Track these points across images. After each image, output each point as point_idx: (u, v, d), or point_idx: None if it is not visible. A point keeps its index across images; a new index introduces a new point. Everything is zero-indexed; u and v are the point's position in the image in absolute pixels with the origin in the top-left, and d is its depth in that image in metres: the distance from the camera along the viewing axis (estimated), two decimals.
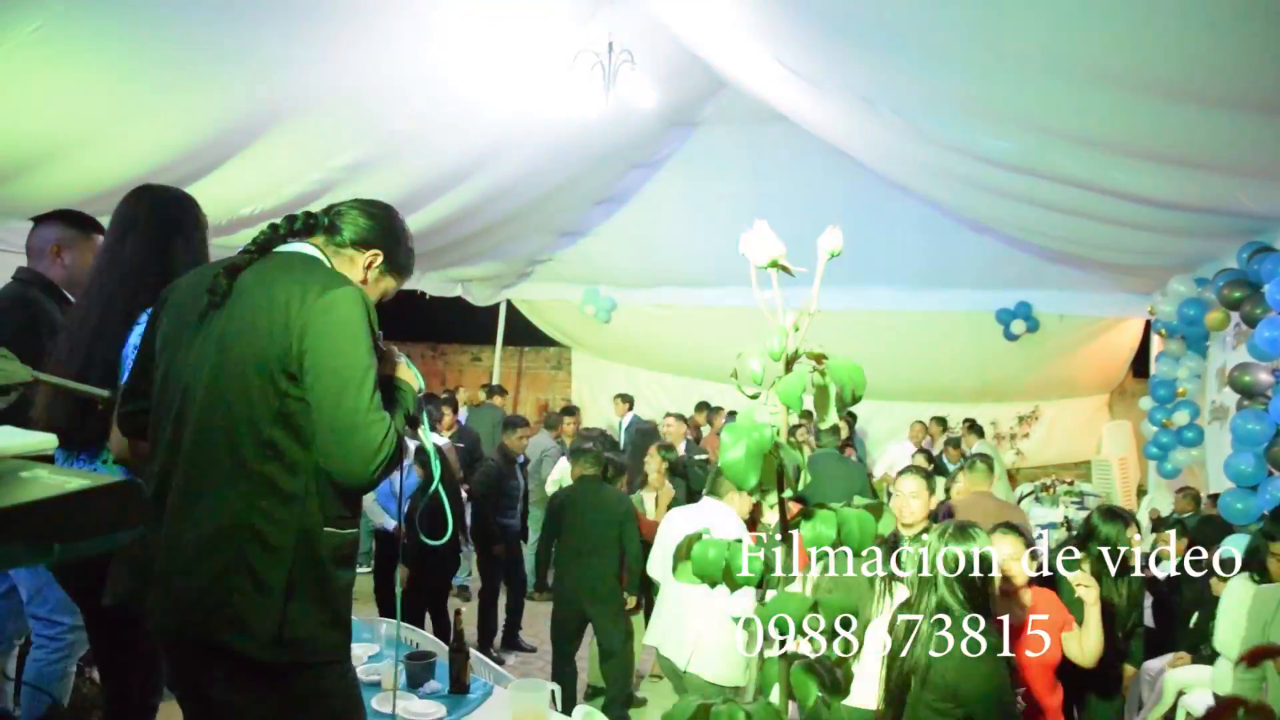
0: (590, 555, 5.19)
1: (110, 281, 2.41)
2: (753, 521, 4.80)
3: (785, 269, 1.09)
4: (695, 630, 4.19)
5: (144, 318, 2.26)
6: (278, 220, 2.01)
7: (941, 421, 9.91)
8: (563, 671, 5.24)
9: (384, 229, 2.08)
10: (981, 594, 2.78)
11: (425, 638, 3.70)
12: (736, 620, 4.14)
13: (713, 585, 1.02)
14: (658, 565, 4.69)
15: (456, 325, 12.23)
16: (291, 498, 1.78)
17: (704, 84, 8.15)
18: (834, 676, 1.00)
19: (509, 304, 11.75)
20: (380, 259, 2.07)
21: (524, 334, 12.17)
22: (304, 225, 2.01)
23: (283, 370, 1.78)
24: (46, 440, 1.11)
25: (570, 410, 8.83)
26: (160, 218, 2.47)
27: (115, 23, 4.58)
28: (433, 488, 2.06)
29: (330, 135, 6.13)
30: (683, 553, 1.05)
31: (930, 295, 9.76)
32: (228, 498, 1.76)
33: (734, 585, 1.02)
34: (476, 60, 5.89)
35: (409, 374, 2.06)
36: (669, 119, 8.50)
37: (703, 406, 9.72)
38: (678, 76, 7.48)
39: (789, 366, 1.06)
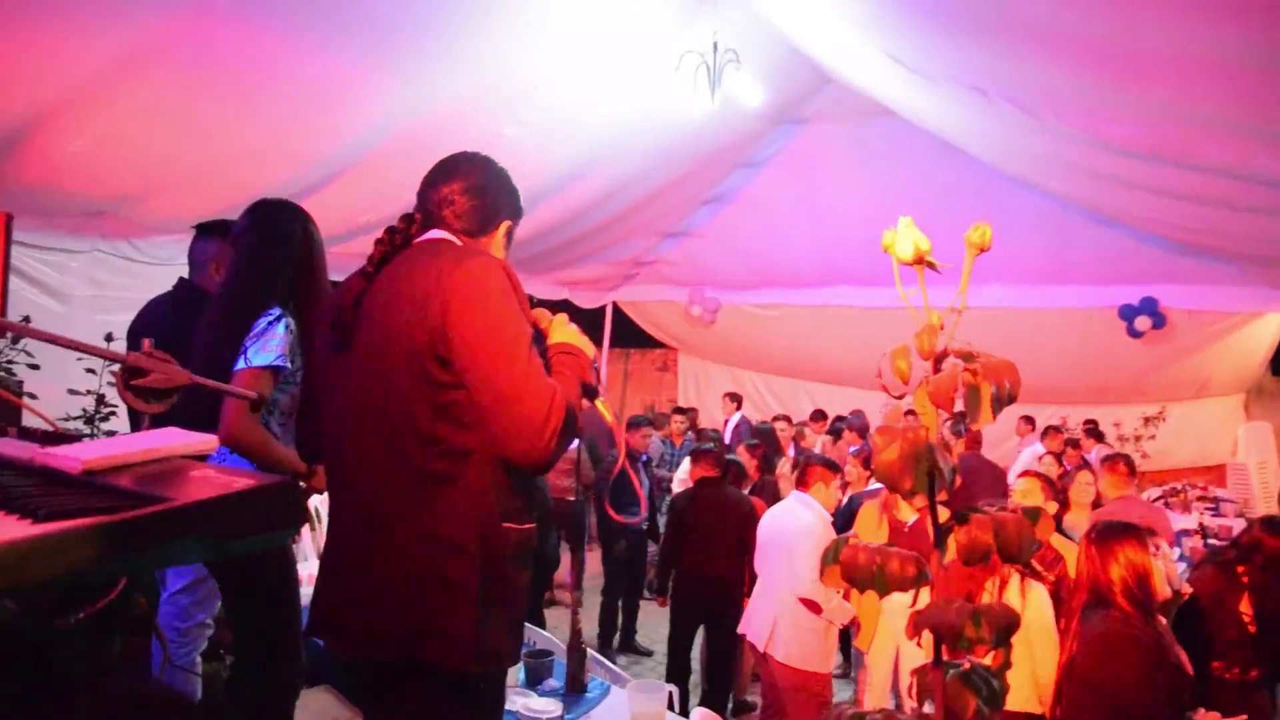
0: (712, 558, 5.16)
1: (226, 288, 2.54)
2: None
3: (931, 265, 1.05)
4: (771, 614, 4.37)
5: (263, 323, 2.37)
6: (394, 224, 1.90)
7: (1029, 420, 9.53)
8: (678, 674, 5.24)
9: (498, 198, 1.95)
10: (1141, 592, 2.73)
11: (543, 635, 3.74)
12: (822, 605, 4.22)
13: (862, 590, 0.99)
14: (757, 559, 4.77)
15: None
16: (465, 493, 1.67)
17: (809, 80, 8.04)
18: (991, 687, 0.96)
19: (614, 306, 11.83)
20: (510, 225, 1.97)
21: (630, 336, 12.24)
22: (412, 229, 1.89)
23: (433, 357, 1.66)
24: (209, 441, 1.16)
25: (682, 410, 8.84)
26: (268, 230, 2.56)
27: (246, 49, 4.81)
28: (618, 467, 1.95)
29: (441, 145, 6.19)
30: (830, 556, 1.02)
31: (1048, 292, 9.35)
32: (404, 506, 1.68)
33: (885, 590, 0.99)
34: (582, 66, 5.95)
35: (573, 336, 1.90)
36: (774, 117, 8.42)
37: (819, 415, 9.61)
38: (782, 74, 7.41)
39: (937, 365, 1.02)
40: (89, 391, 3.59)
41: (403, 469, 1.68)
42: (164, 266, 6.85)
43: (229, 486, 0.92)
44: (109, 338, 3.26)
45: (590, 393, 1.88)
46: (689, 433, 8.61)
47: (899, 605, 4.24)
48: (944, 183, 8.29)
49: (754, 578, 5.11)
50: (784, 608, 4.35)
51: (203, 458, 1.14)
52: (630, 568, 6.57)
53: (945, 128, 7.33)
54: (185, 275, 3.10)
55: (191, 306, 2.85)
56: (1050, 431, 9.20)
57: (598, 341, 12.06)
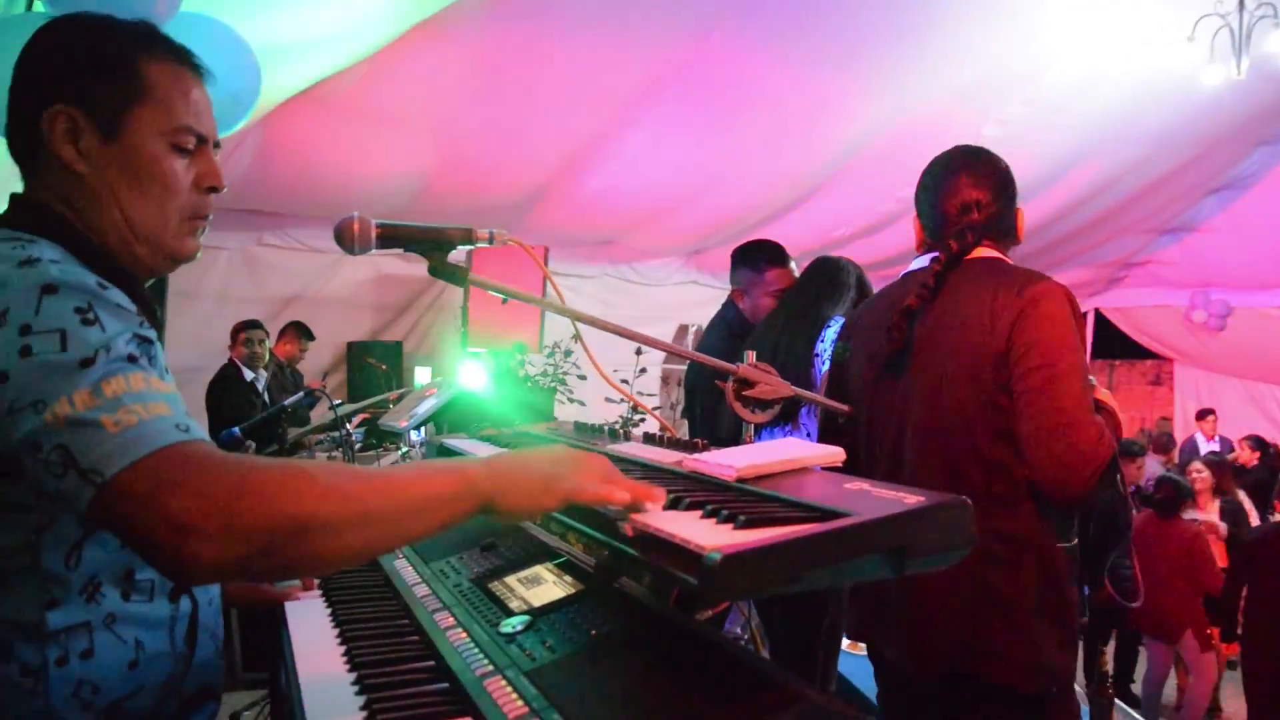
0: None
1: (778, 322, 2.81)
2: None
3: None
4: None
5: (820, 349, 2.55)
6: (947, 244, 1.85)
7: None
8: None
9: (1010, 191, 1.91)
10: None
11: None
12: None
13: None
14: None
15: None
16: (1024, 516, 1.68)
17: None
18: None
19: (1097, 313, 10.70)
20: (1019, 209, 1.95)
21: (1115, 346, 11.00)
22: (967, 244, 1.84)
23: (997, 384, 1.68)
24: (837, 454, 1.17)
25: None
26: (823, 279, 2.85)
27: (732, 78, 5.11)
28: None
29: (918, 152, 6.09)
30: None
31: None
32: None
33: None
34: (1078, 49, 5.45)
35: (1108, 398, 1.84)
36: None
37: None
38: None
39: None
40: (622, 400, 4.02)
41: (963, 490, 1.65)
42: (654, 287, 7.57)
43: (903, 502, 0.90)
44: (639, 351, 3.63)
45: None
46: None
47: None
48: None
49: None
50: None
51: (833, 469, 1.14)
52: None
53: None
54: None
55: (728, 325, 3.12)
56: None
57: None
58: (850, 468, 1.88)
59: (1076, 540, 1.79)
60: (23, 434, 0.87)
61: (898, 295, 1.90)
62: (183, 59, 1.14)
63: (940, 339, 1.77)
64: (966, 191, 1.87)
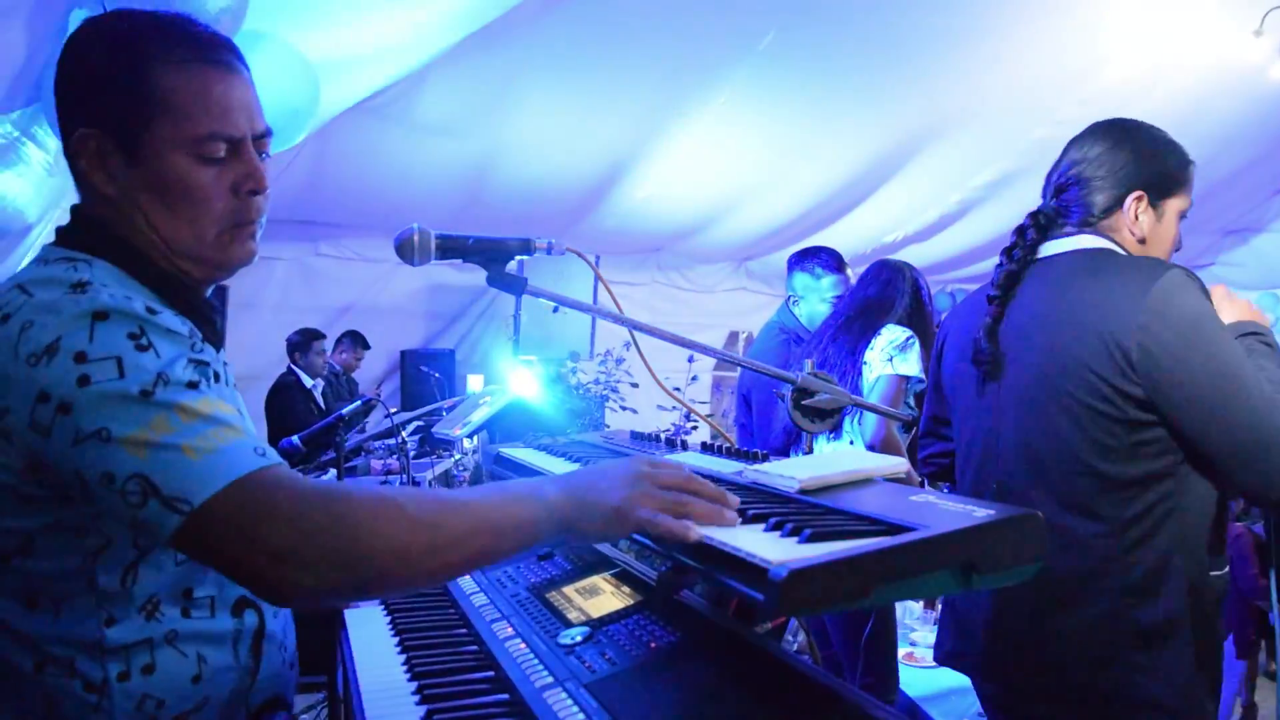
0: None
1: (828, 329, 2.83)
2: None
3: None
4: None
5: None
6: (1011, 246, 1.68)
7: None
8: None
9: (1136, 163, 1.62)
10: None
11: None
12: None
13: None
14: None
15: None
16: (1166, 540, 1.46)
17: None
18: None
19: None
20: (1144, 199, 1.61)
21: None
22: (1042, 231, 1.65)
23: (1123, 395, 1.45)
24: (900, 464, 1.14)
25: None
26: (876, 286, 2.85)
27: (781, 83, 5.08)
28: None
29: (969, 155, 6.04)
30: None
31: None
32: (1092, 559, 1.49)
33: None
34: (1140, 44, 5.32)
35: (1245, 310, 1.59)
36: None
37: None
38: None
39: None
40: (674, 408, 4.02)
41: (1089, 517, 1.48)
42: (704, 294, 7.54)
43: (971, 515, 0.87)
44: (691, 359, 3.62)
45: None
46: None
47: None
48: None
49: None
50: None
51: (897, 480, 1.12)
52: None
53: None
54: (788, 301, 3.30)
55: (784, 331, 3.14)
56: None
57: None
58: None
59: (1227, 569, 1.59)
60: (90, 464, 0.87)
61: (978, 302, 1.73)
62: (201, 55, 1.04)
63: (1035, 345, 1.57)
64: (1065, 165, 1.67)
